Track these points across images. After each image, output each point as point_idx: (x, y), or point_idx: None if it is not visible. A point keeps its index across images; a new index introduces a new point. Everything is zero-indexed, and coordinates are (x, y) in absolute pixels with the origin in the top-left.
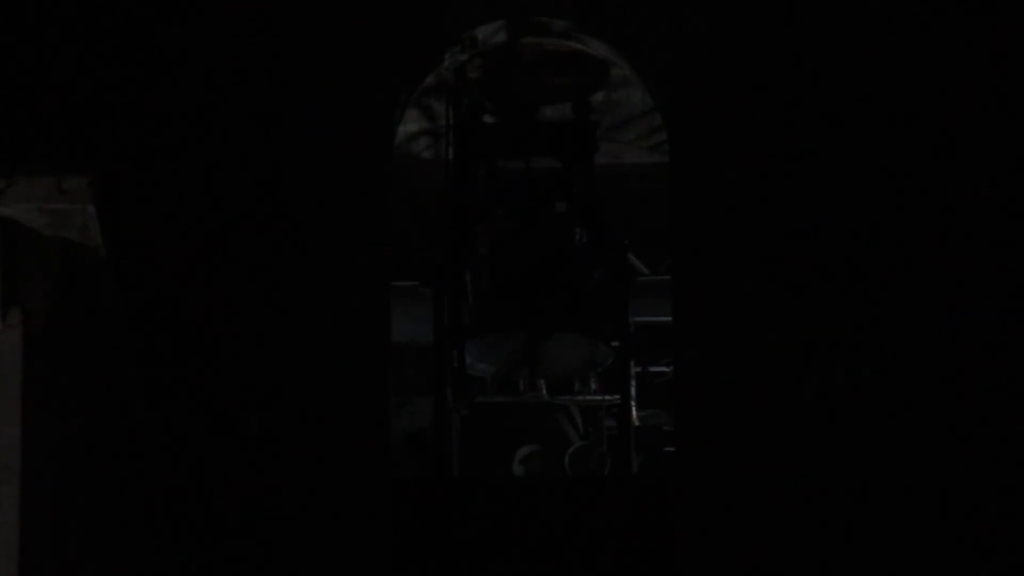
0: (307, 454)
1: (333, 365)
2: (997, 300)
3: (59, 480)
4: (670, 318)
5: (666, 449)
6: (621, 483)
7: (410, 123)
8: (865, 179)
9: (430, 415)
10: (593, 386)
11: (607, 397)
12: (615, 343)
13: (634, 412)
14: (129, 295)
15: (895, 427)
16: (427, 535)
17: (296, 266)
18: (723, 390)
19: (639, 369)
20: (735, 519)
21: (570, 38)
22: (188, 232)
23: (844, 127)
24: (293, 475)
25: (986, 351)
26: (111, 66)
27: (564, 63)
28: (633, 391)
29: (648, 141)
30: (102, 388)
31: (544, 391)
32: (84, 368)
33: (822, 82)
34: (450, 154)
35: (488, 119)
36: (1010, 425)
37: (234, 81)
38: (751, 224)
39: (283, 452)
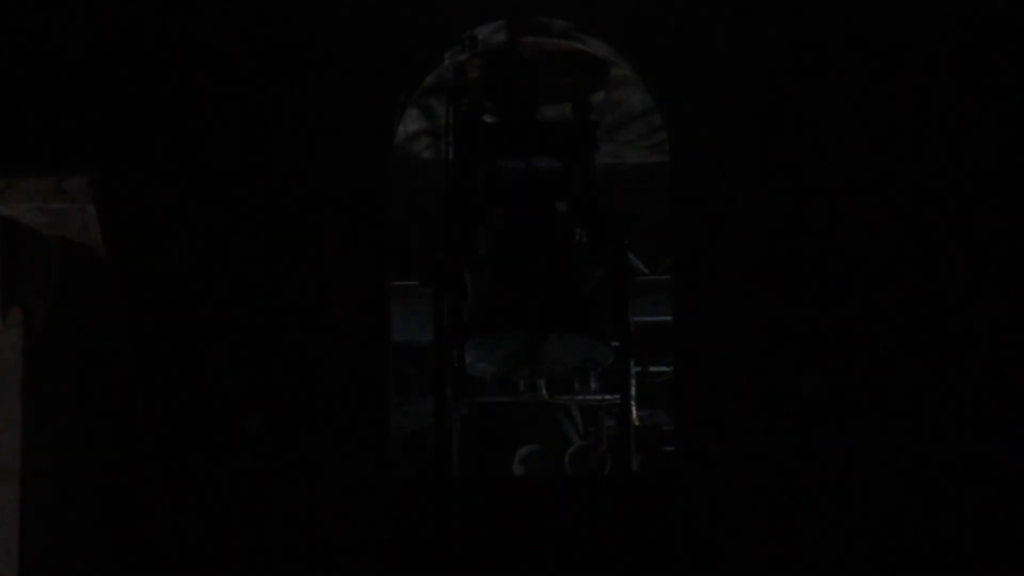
0: (307, 454)
1: (333, 365)
2: (998, 299)
3: (59, 480)
4: (670, 318)
5: (666, 449)
6: (621, 483)
7: (410, 123)
8: (866, 178)
9: (430, 415)
10: (593, 386)
11: (607, 397)
12: (615, 343)
13: (634, 412)
14: (129, 295)
15: (896, 426)
16: (427, 535)
17: (296, 266)
18: (723, 390)
19: (639, 369)
20: (735, 519)
21: (570, 38)
22: (188, 232)
23: (845, 126)
24: (293, 475)
25: (987, 350)
26: (111, 66)
27: (564, 63)
28: (633, 391)
29: (648, 141)
30: (102, 388)
31: (544, 391)
32: (84, 368)
33: (823, 81)
34: (450, 154)
35: (488, 119)
36: (1012, 424)
37: (234, 81)
38: (751, 224)
39: (283, 452)
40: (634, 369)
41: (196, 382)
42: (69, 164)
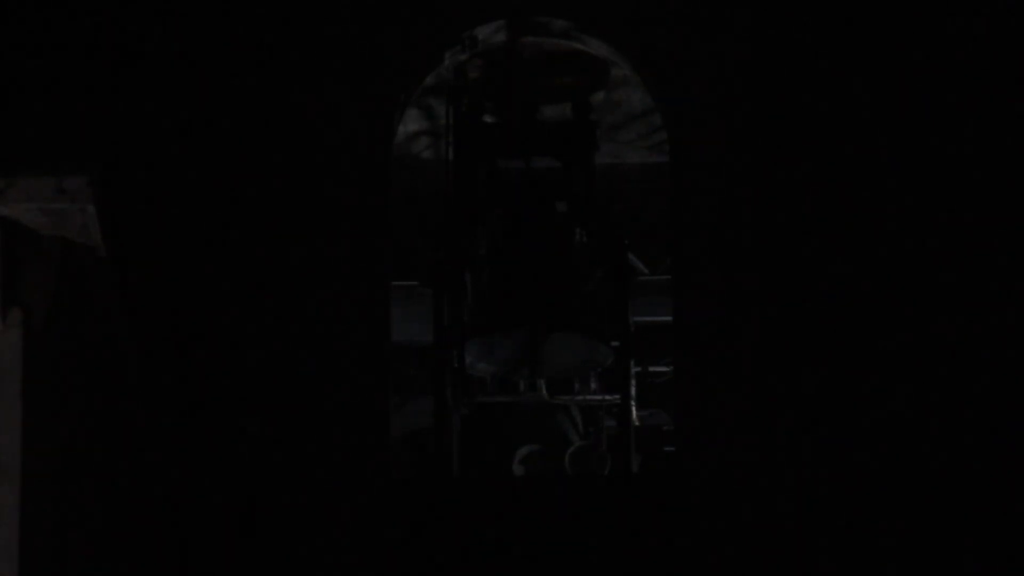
0: (307, 454)
1: (333, 365)
2: (998, 299)
3: (59, 480)
4: (670, 318)
5: (666, 449)
6: (621, 483)
7: (410, 123)
8: (866, 179)
9: (430, 415)
10: (593, 386)
11: (607, 397)
12: (615, 343)
13: (634, 412)
14: (129, 294)
15: (896, 426)
16: (427, 535)
17: (296, 266)
18: (723, 390)
19: (639, 369)
20: (735, 519)
21: (570, 38)
22: (188, 232)
23: (845, 127)
24: (293, 475)
25: (988, 349)
26: (111, 66)
27: (564, 63)
28: (633, 391)
29: (648, 141)
30: (102, 388)
31: (544, 391)
32: (84, 368)
33: (823, 82)
34: (450, 154)
35: (488, 119)
36: (1012, 424)
37: (234, 81)
38: (751, 224)
39: (283, 452)
40: (634, 369)
41: (196, 382)
42: (69, 164)
